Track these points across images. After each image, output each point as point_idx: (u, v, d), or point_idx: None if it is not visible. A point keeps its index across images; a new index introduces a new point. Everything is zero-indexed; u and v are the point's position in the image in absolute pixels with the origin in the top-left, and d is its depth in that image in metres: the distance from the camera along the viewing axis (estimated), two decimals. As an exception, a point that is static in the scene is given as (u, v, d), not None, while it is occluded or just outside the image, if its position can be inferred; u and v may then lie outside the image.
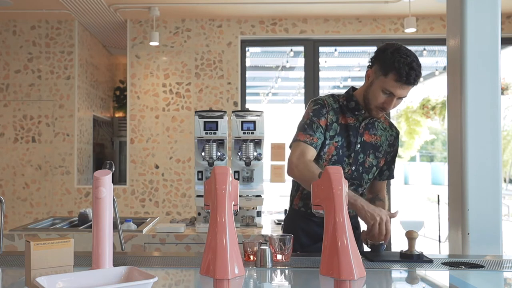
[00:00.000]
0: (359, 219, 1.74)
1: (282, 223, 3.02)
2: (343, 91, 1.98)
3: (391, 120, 2.12)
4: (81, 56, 5.26)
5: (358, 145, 1.88)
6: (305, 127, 1.83)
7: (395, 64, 1.69)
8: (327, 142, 1.85)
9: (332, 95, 1.93)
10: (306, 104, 5.14)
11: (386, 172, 2.01)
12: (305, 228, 1.93)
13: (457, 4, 1.97)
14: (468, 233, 1.90)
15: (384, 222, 1.62)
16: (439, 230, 5.27)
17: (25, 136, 5.06)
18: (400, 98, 1.77)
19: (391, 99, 1.75)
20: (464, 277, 1.49)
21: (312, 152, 1.80)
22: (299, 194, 1.96)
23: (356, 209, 1.65)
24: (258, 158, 2.84)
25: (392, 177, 2.03)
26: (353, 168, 1.88)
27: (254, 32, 5.13)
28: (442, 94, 7.16)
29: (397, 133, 2.01)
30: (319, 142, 1.82)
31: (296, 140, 1.83)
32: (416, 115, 7.38)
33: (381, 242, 1.68)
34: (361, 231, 1.83)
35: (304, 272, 1.48)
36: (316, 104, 1.88)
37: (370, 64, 1.83)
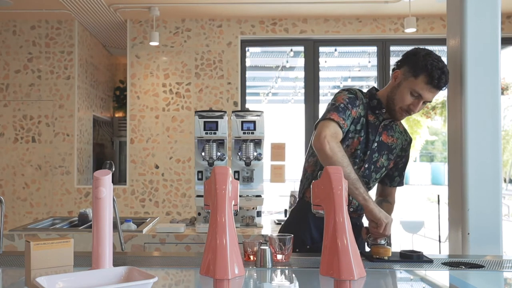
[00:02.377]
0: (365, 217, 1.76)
1: (286, 217, 3.02)
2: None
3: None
4: (81, 56, 5.26)
5: (375, 144, 1.87)
6: (339, 110, 1.75)
7: (428, 67, 1.70)
8: (351, 135, 1.82)
9: (361, 90, 1.91)
10: (306, 104, 5.16)
11: (397, 178, 2.01)
12: (316, 222, 1.87)
13: (457, 4, 1.97)
14: (468, 233, 1.90)
15: (390, 224, 1.66)
16: (439, 230, 5.27)
17: (25, 136, 5.06)
18: (425, 102, 1.78)
19: (418, 101, 1.76)
20: (464, 277, 1.49)
21: (341, 137, 1.74)
22: None
23: (367, 209, 1.66)
24: (258, 158, 2.84)
25: (402, 184, 2.03)
26: (366, 165, 1.87)
27: (254, 32, 5.13)
28: (442, 94, 7.17)
29: (410, 139, 2.01)
30: (346, 130, 1.77)
31: (329, 118, 1.72)
32: (416, 115, 7.38)
33: (383, 242, 1.68)
34: (362, 229, 1.82)
35: (304, 272, 1.48)
36: (350, 93, 1.83)
37: (397, 65, 1.83)
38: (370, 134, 1.85)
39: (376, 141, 1.87)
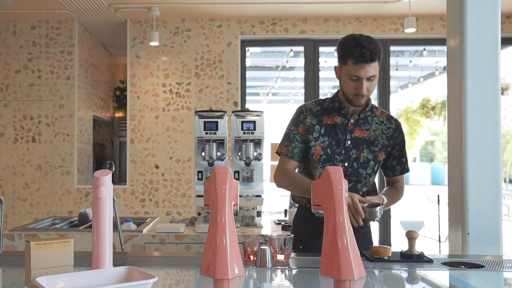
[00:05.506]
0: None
1: (284, 223, 3.02)
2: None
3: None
4: (81, 56, 5.26)
5: (349, 142, 1.91)
6: (283, 139, 1.99)
7: (348, 50, 1.80)
8: (312, 143, 1.93)
9: (318, 100, 2.04)
10: (306, 104, 5.16)
11: (398, 167, 2.00)
12: (308, 222, 1.94)
13: (457, 4, 1.97)
14: (468, 233, 1.90)
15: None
16: (439, 230, 5.28)
17: (25, 136, 5.06)
18: (370, 79, 1.81)
19: (360, 82, 1.81)
20: (464, 277, 1.49)
21: (290, 162, 1.96)
22: None
23: None
24: (258, 158, 2.84)
25: (407, 170, 2.02)
26: (346, 164, 1.90)
27: (254, 32, 5.13)
28: (442, 94, 7.17)
29: (397, 125, 1.99)
30: (297, 150, 1.95)
31: (277, 153, 2.01)
32: (416, 115, 7.39)
33: (377, 211, 1.70)
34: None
35: (304, 272, 1.48)
36: (296, 112, 2.02)
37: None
38: (339, 134, 1.92)
39: (349, 138, 1.92)
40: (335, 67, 1.93)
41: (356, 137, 1.92)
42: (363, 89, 1.81)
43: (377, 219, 1.72)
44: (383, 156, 1.96)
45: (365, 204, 1.72)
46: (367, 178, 1.93)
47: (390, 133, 1.96)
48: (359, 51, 1.77)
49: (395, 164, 2.00)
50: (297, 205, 2.10)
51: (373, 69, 1.79)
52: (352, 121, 1.93)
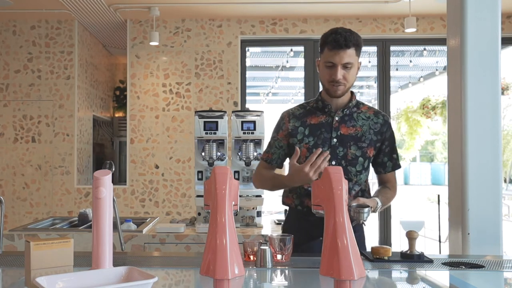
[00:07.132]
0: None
1: (282, 223, 3.02)
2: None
3: (391, 119, 2.11)
4: (81, 56, 5.26)
5: (335, 140, 1.90)
6: (267, 146, 2.09)
7: (324, 39, 1.87)
8: (297, 146, 1.93)
9: (301, 104, 2.07)
10: (306, 104, 5.16)
11: (389, 163, 1.96)
12: (302, 224, 1.93)
13: (457, 4, 1.97)
14: (468, 233, 1.90)
15: (312, 170, 1.72)
16: (439, 230, 5.28)
17: (25, 136, 5.06)
18: (346, 66, 1.82)
19: (335, 69, 1.82)
20: (464, 277, 1.49)
21: (266, 166, 2.05)
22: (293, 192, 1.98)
23: (290, 183, 1.85)
24: (258, 158, 2.84)
25: (398, 166, 1.99)
26: (333, 162, 1.88)
27: (254, 32, 5.13)
28: (442, 94, 7.16)
29: (385, 120, 1.95)
30: (275, 156, 2.02)
31: (260, 158, 2.12)
32: (416, 115, 7.37)
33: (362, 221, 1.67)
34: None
35: (304, 272, 1.48)
36: (279, 118, 2.06)
37: None
38: (324, 133, 1.92)
39: (335, 136, 1.91)
40: (316, 60, 1.96)
41: (342, 134, 1.90)
42: (337, 75, 1.82)
43: (363, 221, 1.66)
44: (372, 152, 1.92)
45: (354, 204, 1.68)
46: (357, 175, 1.90)
47: (377, 128, 1.92)
48: (334, 37, 1.81)
49: (386, 160, 1.96)
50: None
51: (348, 56, 1.80)
52: (337, 118, 1.91)
